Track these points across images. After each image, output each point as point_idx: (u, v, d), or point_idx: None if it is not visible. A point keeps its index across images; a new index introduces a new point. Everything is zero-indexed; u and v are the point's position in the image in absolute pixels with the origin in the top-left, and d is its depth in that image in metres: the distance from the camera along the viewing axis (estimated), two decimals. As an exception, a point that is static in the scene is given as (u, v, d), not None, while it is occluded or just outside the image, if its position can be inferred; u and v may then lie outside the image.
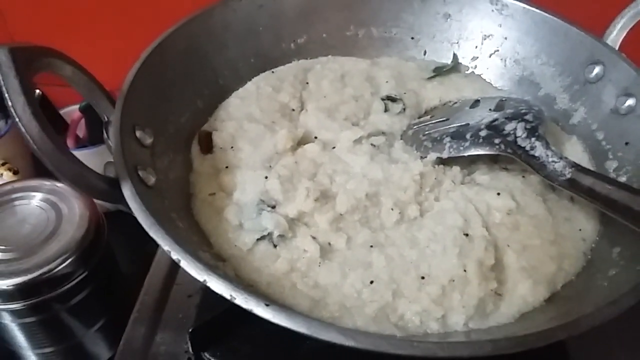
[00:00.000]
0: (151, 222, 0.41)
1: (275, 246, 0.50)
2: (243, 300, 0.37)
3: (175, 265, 0.65)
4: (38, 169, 0.90)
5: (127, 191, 0.43)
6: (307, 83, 0.69)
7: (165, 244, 0.40)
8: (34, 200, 0.69)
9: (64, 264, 0.62)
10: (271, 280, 0.47)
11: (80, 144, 0.89)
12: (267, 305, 0.36)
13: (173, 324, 0.59)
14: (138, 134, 0.51)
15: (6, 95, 0.38)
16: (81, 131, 0.91)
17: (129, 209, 0.44)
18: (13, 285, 0.59)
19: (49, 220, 0.67)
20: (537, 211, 0.54)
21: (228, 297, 0.37)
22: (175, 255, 0.39)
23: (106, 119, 0.51)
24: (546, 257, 0.50)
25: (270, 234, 0.50)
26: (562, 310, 0.45)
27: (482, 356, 0.34)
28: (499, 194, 0.54)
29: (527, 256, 0.50)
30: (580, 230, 0.54)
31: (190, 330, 0.53)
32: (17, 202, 0.69)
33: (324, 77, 0.69)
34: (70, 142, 0.88)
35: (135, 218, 0.41)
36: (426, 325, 0.45)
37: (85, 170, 0.42)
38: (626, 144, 0.57)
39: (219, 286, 0.37)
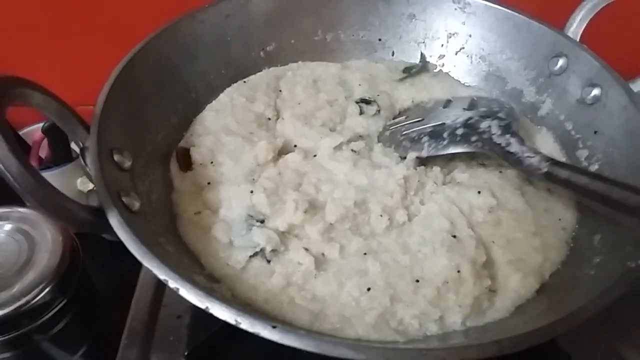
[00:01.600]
0: (144, 252, 0.40)
1: (268, 262, 0.49)
2: (249, 325, 0.36)
3: (161, 288, 0.64)
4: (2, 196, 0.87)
5: (114, 220, 0.42)
6: (280, 91, 0.69)
7: (162, 274, 0.39)
8: (3, 230, 0.67)
9: (42, 294, 0.60)
10: (268, 296, 0.46)
11: (44, 165, 0.86)
12: (273, 327, 0.36)
13: (165, 348, 0.58)
14: (116, 157, 0.49)
15: (-20, 132, 0.36)
16: (43, 152, 0.88)
17: (116, 237, 0.42)
18: (-10, 319, 0.57)
19: (22, 249, 0.64)
20: (516, 205, 0.56)
21: (233, 323, 0.36)
22: (173, 284, 0.38)
23: (81, 145, 0.49)
24: (530, 249, 0.52)
25: (262, 250, 0.50)
26: (554, 301, 0.46)
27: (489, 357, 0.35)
28: (479, 192, 0.56)
29: (513, 250, 0.52)
30: (560, 219, 0.55)
31: (186, 353, 0.52)
32: (-15, 233, 0.66)
33: (296, 84, 0.69)
34: (33, 164, 0.84)
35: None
36: (425, 327, 0.46)
37: (69, 203, 0.41)
38: (595, 132, 0.59)
39: (222, 312, 0.37)
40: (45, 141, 0.86)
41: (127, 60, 0.56)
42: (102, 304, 0.76)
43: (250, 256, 0.49)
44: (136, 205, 0.47)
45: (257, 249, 0.50)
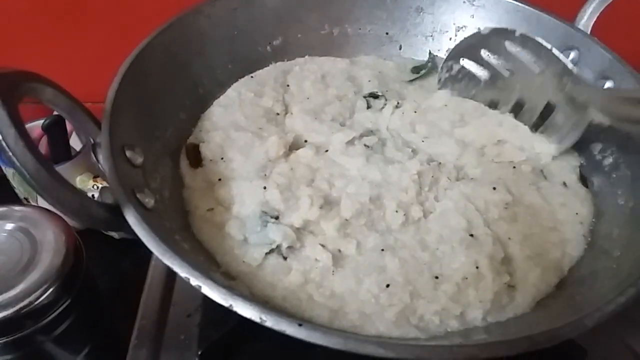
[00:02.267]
0: (164, 250, 0.39)
1: (285, 258, 0.49)
2: (274, 322, 0.35)
3: (170, 286, 0.63)
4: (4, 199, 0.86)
5: (132, 218, 0.41)
6: (288, 85, 0.68)
7: (183, 271, 0.38)
8: (5, 229, 0.65)
9: (45, 294, 0.59)
10: (286, 294, 0.46)
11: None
12: (299, 325, 0.35)
13: (176, 347, 0.57)
14: (128, 154, 0.48)
15: (-5, 128, 0.35)
16: (42, 149, 0.86)
17: (133, 235, 0.41)
18: (-7, 321, 0.56)
19: (24, 249, 0.63)
20: (532, 200, 0.55)
21: (258, 321, 0.36)
22: (195, 282, 0.37)
23: (92, 141, 0.48)
24: (549, 244, 0.52)
25: (279, 247, 0.49)
26: (577, 295, 0.46)
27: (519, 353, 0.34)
28: (494, 188, 0.55)
29: (530, 245, 0.51)
30: (577, 214, 0.55)
31: (199, 352, 0.51)
32: (-15, 233, 0.64)
33: (304, 79, 0.68)
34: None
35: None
36: (446, 323, 0.45)
37: (87, 201, 0.39)
38: (608, 126, 0.58)
39: (246, 310, 0.36)
40: (44, 139, 0.85)
41: (135, 55, 0.55)
42: (104, 303, 0.75)
43: (267, 253, 0.49)
44: (150, 202, 0.46)
45: (273, 246, 0.49)
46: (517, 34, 0.61)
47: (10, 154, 0.35)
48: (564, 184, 0.58)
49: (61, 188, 0.37)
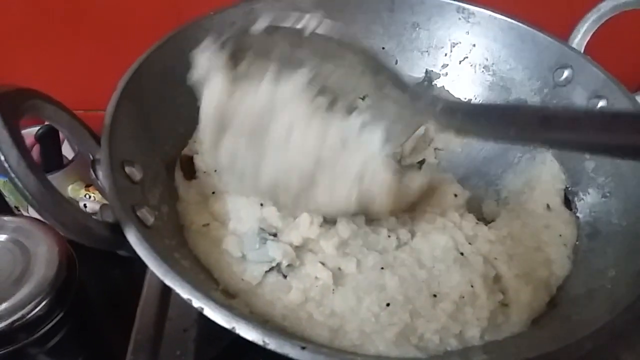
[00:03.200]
0: (165, 270, 0.38)
1: (285, 277, 0.49)
2: (277, 345, 0.35)
3: (165, 300, 0.63)
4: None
5: (132, 237, 0.40)
6: None
7: (185, 293, 0.38)
8: (-3, 240, 0.65)
9: (38, 307, 0.59)
10: (286, 312, 0.46)
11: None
12: (303, 348, 0.35)
13: (172, 362, 0.57)
14: (127, 170, 0.48)
15: (-4, 148, 0.35)
16: (34, 157, 0.86)
17: (133, 254, 0.41)
18: (-16, 335, 0.55)
19: (17, 261, 0.62)
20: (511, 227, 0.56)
21: (261, 344, 0.36)
22: (197, 304, 0.37)
23: (92, 157, 0.48)
24: (535, 263, 0.53)
25: (278, 265, 0.49)
26: (572, 315, 0.47)
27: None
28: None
29: (517, 264, 0.52)
30: (560, 235, 0.56)
31: (198, 369, 0.51)
32: (-23, 244, 0.64)
33: None
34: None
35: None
36: (446, 342, 0.45)
37: (89, 221, 0.39)
38: (601, 144, 0.59)
39: (250, 333, 0.36)
40: (37, 147, 0.84)
41: (134, 69, 0.55)
42: (97, 314, 0.74)
43: (266, 271, 0.49)
44: (150, 219, 0.46)
45: (273, 264, 0.49)
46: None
47: (13, 175, 0.35)
48: (547, 206, 0.59)
49: (63, 209, 0.37)
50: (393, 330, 0.44)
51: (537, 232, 0.56)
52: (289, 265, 0.49)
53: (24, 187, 0.35)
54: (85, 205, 0.83)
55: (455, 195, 0.60)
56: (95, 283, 0.79)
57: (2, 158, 0.35)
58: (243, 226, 0.52)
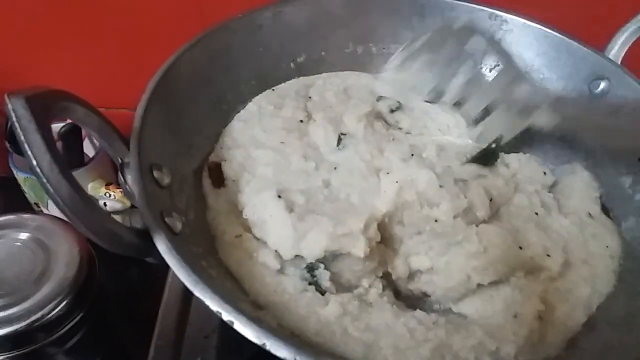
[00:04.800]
0: (195, 281, 0.37)
1: (323, 293, 0.47)
2: (309, 364, 0.34)
3: (186, 305, 0.62)
4: (14, 204, 0.85)
5: (162, 245, 0.39)
6: (310, 97, 0.67)
7: (215, 305, 0.36)
8: (19, 239, 0.65)
9: (58, 307, 0.59)
10: (320, 327, 0.44)
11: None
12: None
13: (193, 370, 0.56)
14: (156, 174, 0.47)
15: (29, 152, 0.34)
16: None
17: (161, 261, 0.40)
18: (4, 334, 0.55)
19: (37, 260, 0.63)
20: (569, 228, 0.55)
21: (291, 360, 0.35)
22: (227, 317, 0.36)
23: (120, 160, 0.47)
24: (579, 279, 0.51)
25: (317, 281, 0.47)
26: (611, 338, 0.45)
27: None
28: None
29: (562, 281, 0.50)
30: (607, 247, 0.54)
31: (219, 378, 0.50)
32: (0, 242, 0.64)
33: (326, 90, 0.67)
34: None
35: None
36: (480, 360, 0.44)
37: (118, 227, 0.38)
38: (638, 160, 0.58)
39: (281, 350, 0.35)
40: (59, 144, 0.84)
41: (163, 71, 0.54)
42: (116, 314, 0.74)
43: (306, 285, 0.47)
44: (178, 226, 0.45)
45: (314, 280, 0.47)
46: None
47: (45, 180, 0.34)
48: (589, 214, 0.57)
49: (94, 215, 0.36)
50: (428, 346, 0.43)
51: (586, 242, 0.54)
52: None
53: (56, 192, 0.34)
54: (105, 204, 0.82)
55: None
56: (114, 283, 0.79)
57: (35, 163, 0.34)
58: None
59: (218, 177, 0.57)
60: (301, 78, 0.70)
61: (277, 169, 0.55)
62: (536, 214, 0.55)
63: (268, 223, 0.49)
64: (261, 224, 0.50)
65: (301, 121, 0.62)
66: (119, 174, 0.46)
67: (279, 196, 0.50)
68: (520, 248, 0.51)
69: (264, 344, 0.35)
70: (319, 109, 0.64)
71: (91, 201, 0.37)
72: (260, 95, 0.66)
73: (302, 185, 0.54)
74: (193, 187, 0.55)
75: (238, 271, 0.48)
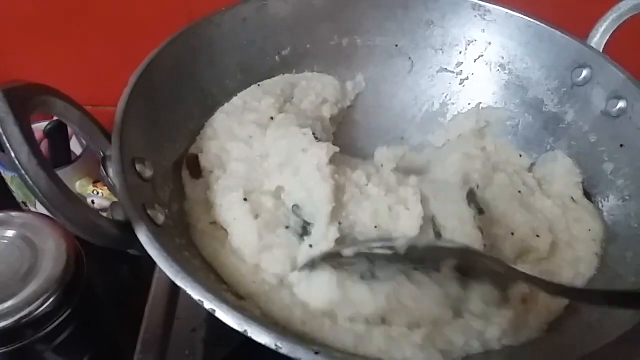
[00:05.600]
0: (176, 271, 0.38)
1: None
2: (290, 350, 0.35)
3: (174, 299, 0.62)
4: (1, 203, 0.84)
5: (144, 236, 0.40)
6: (293, 98, 0.68)
7: (196, 294, 0.37)
8: (6, 237, 0.64)
9: (46, 304, 0.58)
10: (306, 318, 0.44)
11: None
12: (316, 353, 0.34)
13: (181, 363, 0.56)
14: (138, 167, 0.47)
15: (7, 145, 0.34)
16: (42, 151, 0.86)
17: (144, 253, 0.40)
18: (-8, 331, 0.55)
19: (25, 257, 0.62)
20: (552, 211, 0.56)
21: (273, 348, 0.35)
22: (209, 306, 0.36)
23: (102, 154, 0.47)
24: (563, 262, 0.51)
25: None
26: (592, 322, 0.45)
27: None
28: None
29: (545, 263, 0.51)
30: (589, 230, 0.55)
31: (207, 370, 0.50)
32: (-15, 239, 0.63)
33: (308, 95, 0.68)
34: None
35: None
36: (468, 345, 0.44)
37: (99, 219, 0.38)
38: (621, 146, 0.58)
39: (262, 337, 0.35)
40: (45, 142, 0.84)
41: (145, 65, 0.54)
42: (104, 311, 0.74)
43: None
44: (161, 218, 0.45)
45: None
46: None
47: (23, 172, 0.34)
48: (572, 199, 0.58)
49: (74, 207, 0.36)
50: (420, 333, 0.43)
51: (570, 226, 0.55)
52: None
53: (35, 185, 0.34)
54: (93, 202, 0.82)
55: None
56: (103, 280, 0.79)
57: (13, 155, 0.34)
58: None
59: (195, 168, 0.57)
60: (287, 75, 0.70)
61: (248, 165, 0.56)
62: (519, 192, 0.55)
63: (232, 226, 0.50)
64: (227, 226, 0.51)
65: (271, 118, 0.62)
66: (101, 167, 0.46)
67: (245, 199, 0.51)
68: (512, 234, 0.51)
69: (245, 330, 0.35)
70: (291, 111, 0.64)
71: (71, 193, 0.37)
72: (245, 90, 0.66)
73: (270, 186, 0.54)
74: (177, 180, 0.55)
75: (214, 262, 0.48)
